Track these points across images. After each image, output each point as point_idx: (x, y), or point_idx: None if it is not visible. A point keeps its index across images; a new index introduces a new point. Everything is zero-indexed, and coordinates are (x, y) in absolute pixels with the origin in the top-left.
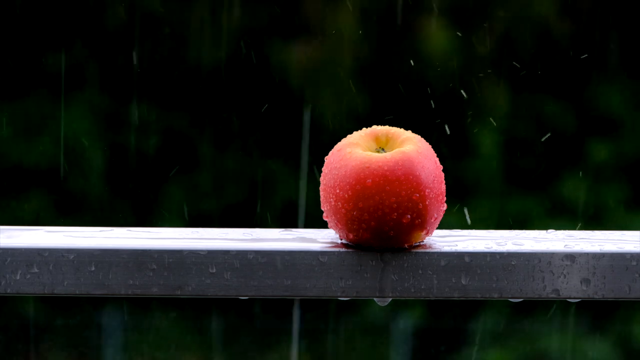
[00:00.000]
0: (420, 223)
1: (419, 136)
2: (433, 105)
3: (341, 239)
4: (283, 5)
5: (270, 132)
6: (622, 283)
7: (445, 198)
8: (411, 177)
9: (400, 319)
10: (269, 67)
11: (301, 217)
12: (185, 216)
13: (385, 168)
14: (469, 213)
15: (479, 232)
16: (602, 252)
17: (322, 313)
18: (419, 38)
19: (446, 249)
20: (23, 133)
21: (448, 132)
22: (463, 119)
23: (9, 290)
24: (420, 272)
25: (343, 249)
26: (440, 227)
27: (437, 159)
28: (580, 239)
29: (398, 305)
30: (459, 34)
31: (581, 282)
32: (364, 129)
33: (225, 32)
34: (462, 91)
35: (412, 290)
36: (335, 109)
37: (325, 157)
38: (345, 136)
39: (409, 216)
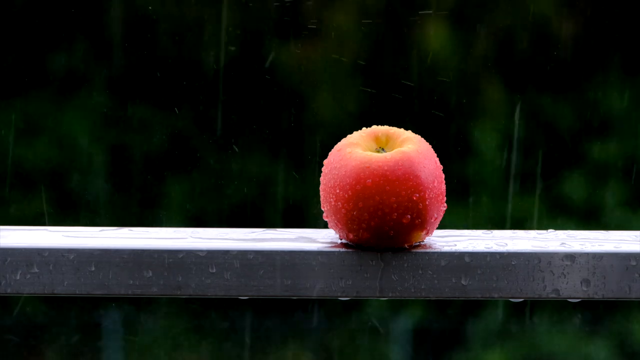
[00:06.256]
0: (420, 223)
1: (419, 136)
2: (433, 105)
3: (341, 239)
4: (283, 5)
5: (270, 132)
6: (622, 283)
7: (445, 198)
8: (411, 177)
9: (400, 319)
10: (268, 67)
11: (301, 217)
12: (186, 216)
13: (385, 168)
14: (469, 213)
15: (479, 232)
16: (602, 252)
17: (322, 313)
18: (419, 37)
19: (446, 249)
20: (24, 133)
21: (448, 132)
22: (463, 118)
23: (9, 290)
24: (420, 272)
25: (343, 249)
26: (440, 227)
27: (437, 159)
28: (580, 239)
29: (398, 305)
30: (459, 33)
31: (581, 282)
32: (364, 128)
33: (224, 31)
34: (462, 91)
35: (412, 290)
36: (335, 109)
37: (325, 158)
38: (345, 136)
39: (409, 216)
